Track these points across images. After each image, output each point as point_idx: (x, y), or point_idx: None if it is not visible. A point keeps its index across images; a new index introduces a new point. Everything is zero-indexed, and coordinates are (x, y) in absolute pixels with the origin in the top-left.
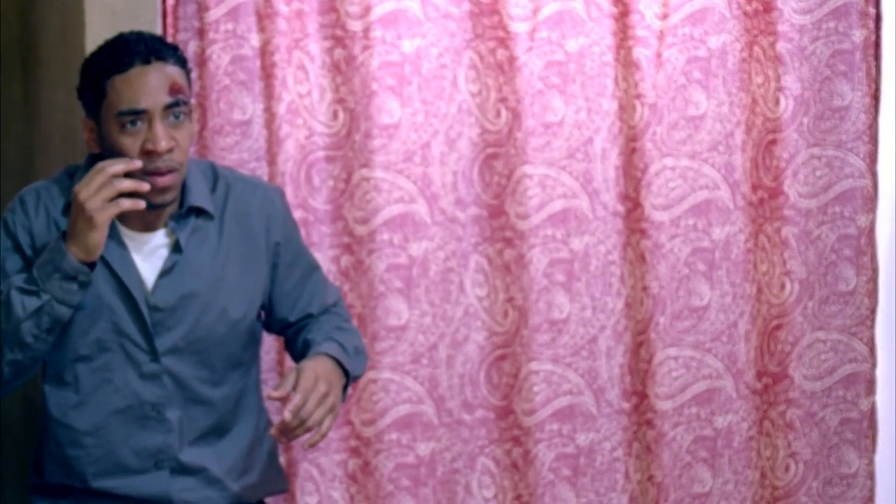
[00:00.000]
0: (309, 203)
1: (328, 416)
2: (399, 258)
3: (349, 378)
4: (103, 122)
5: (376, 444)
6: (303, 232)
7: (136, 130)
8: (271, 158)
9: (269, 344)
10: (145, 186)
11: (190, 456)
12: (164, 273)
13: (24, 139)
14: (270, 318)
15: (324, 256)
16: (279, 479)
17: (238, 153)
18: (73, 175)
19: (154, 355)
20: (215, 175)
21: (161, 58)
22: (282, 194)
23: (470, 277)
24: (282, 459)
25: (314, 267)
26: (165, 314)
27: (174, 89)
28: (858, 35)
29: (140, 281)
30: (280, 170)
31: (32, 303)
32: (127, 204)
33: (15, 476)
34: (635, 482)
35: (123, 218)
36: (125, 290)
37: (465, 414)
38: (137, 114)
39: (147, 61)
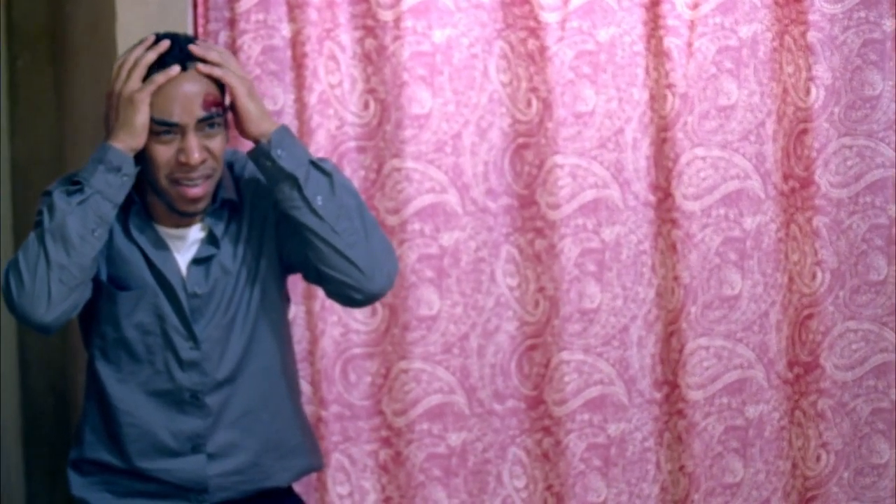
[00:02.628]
0: None
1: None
2: (430, 248)
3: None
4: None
5: (407, 434)
6: None
7: (169, 139)
8: None
9: (301, 334)
10: (175, 69)
11: (226, 439)
12: (199, 261)
13: (54, 129)
14: (300, 267)
15: None
16: (316, 455)
17: None
18: None
19: (194, 342)
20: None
21: (196, 62)
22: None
23: (501, 267)
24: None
25: None
26: (202, 301)
27: (208, 102)
28: (889, 24)
29: (177, 269)
30: None
31: (76, 197)
32: (161, 79)
33: (45, 466)
34: (666, 472)
35: (158, 217)
36: (163, 277)
37: (497, 404)
38: (171, 126)
39: (184, 67)
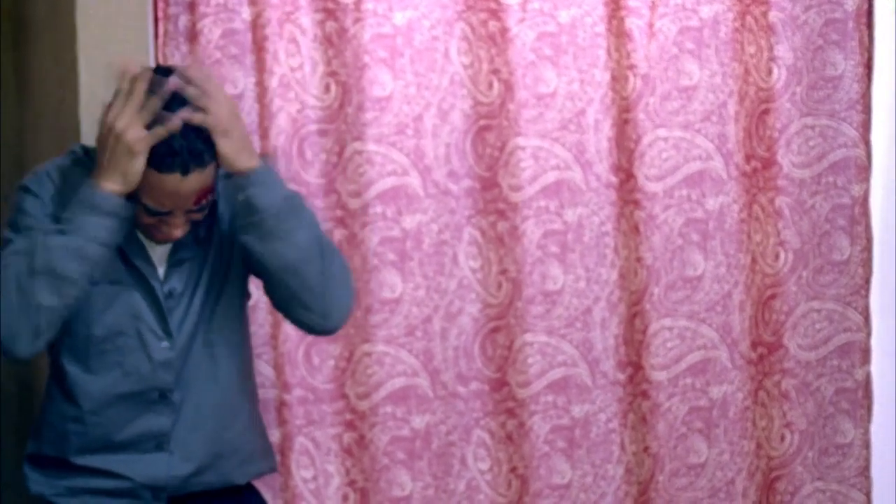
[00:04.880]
0: (301, 177)
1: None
2: (392, 231)
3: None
4: None
5: (371, 417)
6: None
7: (158, 215)
8: (263, 132)
9: (263, 318)
10: (177, 123)
11: (189, 439)
12: (177, 262)
13: (15, 113)
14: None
15: None
16: (270, 459)
17: None
18: (90, 153)
19: (170, 340)
20: None
21: (200, 164)
22: None
23: (463, 250)
24: (277, 434)
25: None
26: (177, 301)
27: (202, 194)
28: (851, 4)
29: (154, 268)
30: (272, 143)
31: (67, 242)
32: (163, 132)
33: (12, 454)
34: (631, 453)
35: (138, 223)
36: (141, 276)
37: (460, 386)
38: (161, 214)
39: (186, 172)
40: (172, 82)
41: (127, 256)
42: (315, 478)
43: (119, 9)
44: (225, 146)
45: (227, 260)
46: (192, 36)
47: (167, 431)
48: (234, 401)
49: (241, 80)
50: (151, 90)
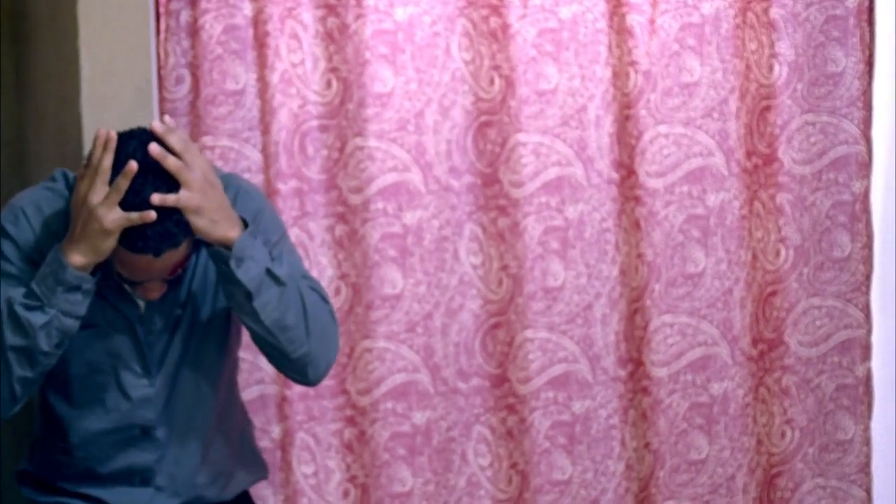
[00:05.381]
0: (303, 172)
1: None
2: (393, 227)
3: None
4: None
5: (372, 413)
6: (296, 202)
7: (132, 284)
8: (265, 128)
9: None
10: (151, 215)
11: (175, 472)
12: (157, 299)
13: (15, 109)
14: None
15: (318, 226)
16: (259, 470)
17: (231, 123)
18: (71, 184)
19: (149, 378)
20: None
21: (174, 246)
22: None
23: (464, 246)
24: (278, 430)
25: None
26: (157, 336)
27: (176, 266)
28: (852, 1)
29: (135, 306)
30: (273, 139)
31: (39, 318)
32: (136, 217)
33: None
34: (631, 449)
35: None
36: (119, 313)
37: (461, 382)
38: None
39: (158, 254)
40: (153, 150)
41: (105, 296)
42: (316, 473)
43: (120, 4)
44: (199, 223)
45: (205, 289)
46: (194, 31)
47: (151, 467)
48: (221, 426)
49: (242, 76)
50: (124, 158)
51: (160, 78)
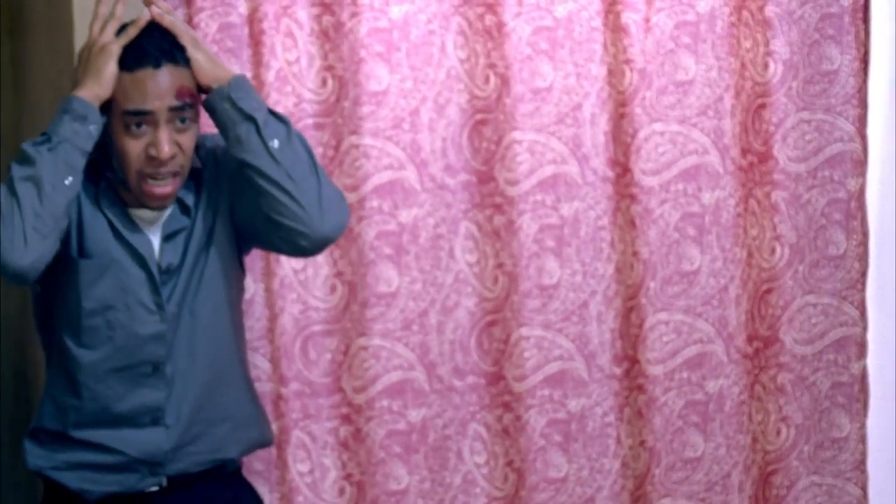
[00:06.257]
0: None
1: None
2: (389, 225)
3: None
4: (108, 115)
5: (367, 411)
6: None
7: (140, 133)
8: None
9: (260, 311)
10: (146, 17)
11: (183, 409)
12: (172, 235)
13: (13, 104)
14: (249, 225)
15: None
16: (264, 429)
17: None
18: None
19: (161, 315)
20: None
21: (172, 60)
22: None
23: (460, 244)
24: (274, 427)
25: None
26: (172, 275)
27: (182, 92)
28: None
29: (149, 244)
30: None
31: (44, 146)
32: (133, 31)
33: (7, 446)
34: (627, 447)
35: (128, 201)
36: (133, 250)
37: (456, 380)
38: (143, 115)
39: (157, 65)
40: (153, 10)
41: (119, 232)
42: (311, 471)
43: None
44: (197, 54)
45: (212, 227)
46: None
47: (162, 405)
48: (223, 369)
49: None
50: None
51: None
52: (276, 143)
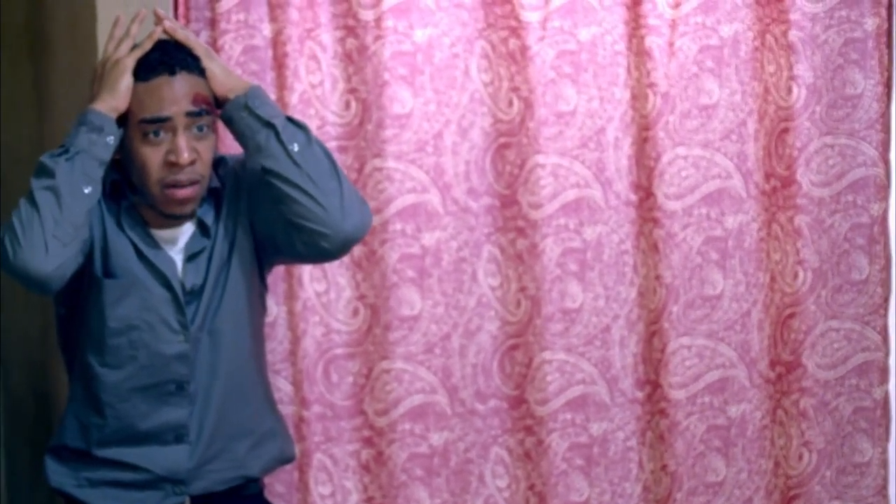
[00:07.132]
0: None
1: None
2: (412, 248)
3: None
4: (125, 128)
5: (389, 434)
6: None
7: (158, 141)
8: None
9: (282, 334)
10: (159, 29)
11: (206, 427)
12: (194, 256)
13: (34, 127)
14: (270, 236)
15: None
16: (286, 444)
17: None
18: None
19: (185, 334)
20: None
21: (186, 68)
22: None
23: (482, 267)
24: (295, 450)
25: None
26: (195, 295)
27: (198, 99)
28: (871, 23)
29: (172, 264)
30: None
31: (62, 157)
32: (148, 44)
33: (27, 467)
34: (649, 471)
35: (149, 220)
36: (156, 270)
37: (479, 404)
38: (161, 122)
39: (172, 73)
40: (166, 23)
41: (141, 251)
42: (333, 494)
43: (140, 22)
44: (211, 65)
45: (232, 243)
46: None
47: (185, 422)
48: (243, 384)
49: None
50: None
51: None
52: (296, 147)
